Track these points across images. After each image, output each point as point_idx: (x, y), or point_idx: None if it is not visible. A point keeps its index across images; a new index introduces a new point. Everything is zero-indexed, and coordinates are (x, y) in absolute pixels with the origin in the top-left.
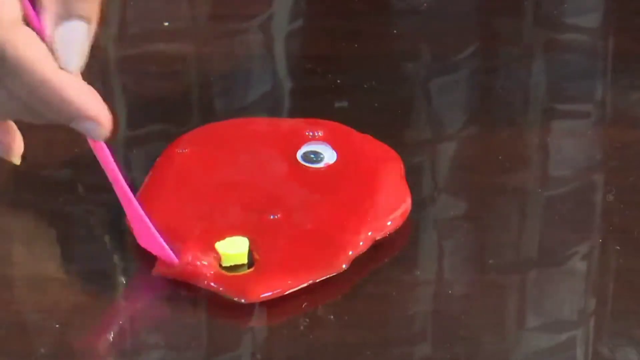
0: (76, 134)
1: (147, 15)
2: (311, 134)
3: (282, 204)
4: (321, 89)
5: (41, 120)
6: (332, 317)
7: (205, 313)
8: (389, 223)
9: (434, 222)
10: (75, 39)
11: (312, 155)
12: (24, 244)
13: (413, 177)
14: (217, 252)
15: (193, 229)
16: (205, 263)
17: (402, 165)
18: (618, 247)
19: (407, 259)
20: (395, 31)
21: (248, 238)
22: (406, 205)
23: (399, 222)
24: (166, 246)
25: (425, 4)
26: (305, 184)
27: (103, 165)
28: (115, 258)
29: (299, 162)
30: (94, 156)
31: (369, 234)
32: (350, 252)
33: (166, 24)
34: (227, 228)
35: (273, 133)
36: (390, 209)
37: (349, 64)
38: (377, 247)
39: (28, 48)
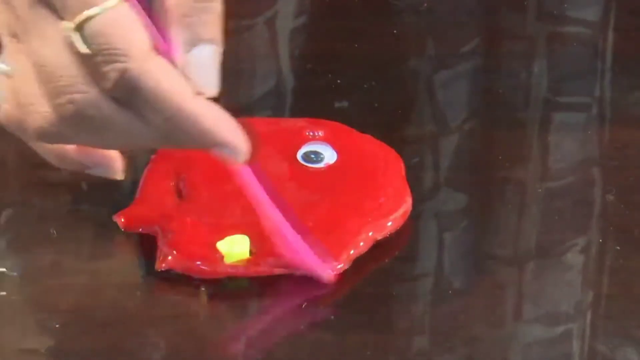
0: None
1: None
2: (311, 133)
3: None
4: (321, 89)
5: (176, 147)
6: (332, 317)
7: (205, 312)
8: (389, 223)
9: (434, 222)
10: (208, 63)
11: (313, 155)
12: (24, 244)
13: (413, 177)
14: (218, 252)
15: (193, 228)
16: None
17: (402, 165)
18: (618, 247)
19: (407, 259)
20: (395, 31)
21: (248, 237)
22: (407, 205)
23: (399, 222)
24: (320, 265)
25: (425, 4)
26: (306, 184)
27: (244, 189)
28: (116, 257)
29: (299, 162)
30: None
31: (370, 234)
32: (351, 252)
33: None
34: (228, 227)
35: (273, 133)
36: (391, 209)
37: (349, 64)
38: (377, 247)
39: (164, 77)
